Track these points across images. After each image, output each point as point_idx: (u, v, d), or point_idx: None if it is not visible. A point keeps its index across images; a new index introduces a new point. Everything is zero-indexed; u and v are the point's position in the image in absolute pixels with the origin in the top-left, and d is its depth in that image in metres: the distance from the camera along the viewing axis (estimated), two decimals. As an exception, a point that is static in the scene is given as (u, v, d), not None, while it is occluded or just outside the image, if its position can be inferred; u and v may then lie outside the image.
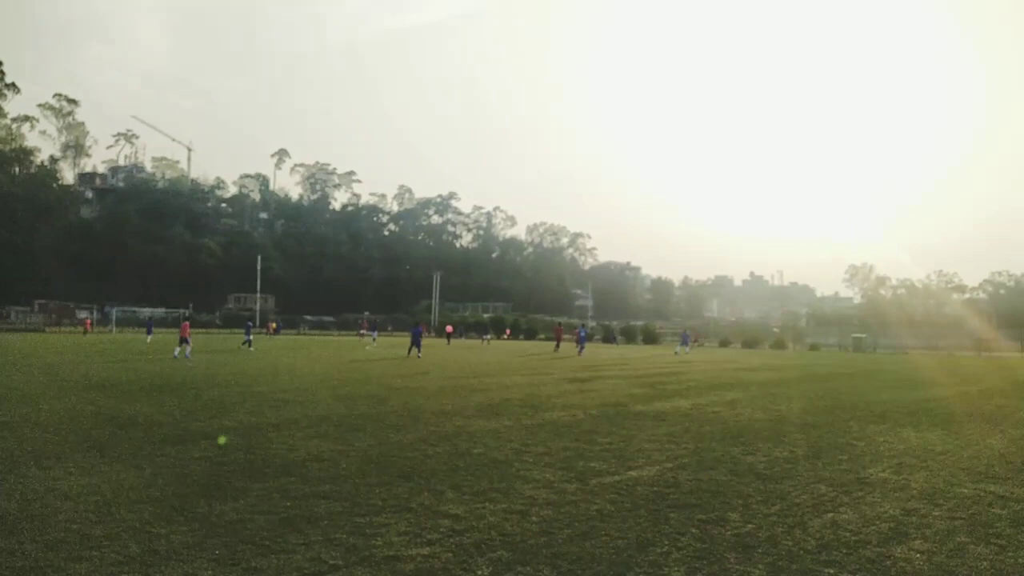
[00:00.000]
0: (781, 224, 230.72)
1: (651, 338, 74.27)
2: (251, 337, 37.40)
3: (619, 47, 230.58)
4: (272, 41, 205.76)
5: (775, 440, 10.07)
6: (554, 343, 47.13)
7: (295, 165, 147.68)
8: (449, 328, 61.68)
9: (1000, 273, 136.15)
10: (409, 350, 32.47)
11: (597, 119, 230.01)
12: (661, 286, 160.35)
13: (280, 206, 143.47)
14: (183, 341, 25.92)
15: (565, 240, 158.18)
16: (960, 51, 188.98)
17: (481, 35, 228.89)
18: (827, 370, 29.53)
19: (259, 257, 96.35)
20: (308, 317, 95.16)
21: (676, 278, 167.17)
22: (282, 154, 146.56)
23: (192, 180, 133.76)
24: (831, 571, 4.73)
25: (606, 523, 5.70)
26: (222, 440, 8.92)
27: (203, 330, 72.46)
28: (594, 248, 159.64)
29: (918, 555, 5.07)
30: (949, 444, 10.04)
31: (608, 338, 75.88)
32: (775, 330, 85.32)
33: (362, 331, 63.87)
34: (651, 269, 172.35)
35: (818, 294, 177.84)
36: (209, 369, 21.42)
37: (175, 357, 25.29)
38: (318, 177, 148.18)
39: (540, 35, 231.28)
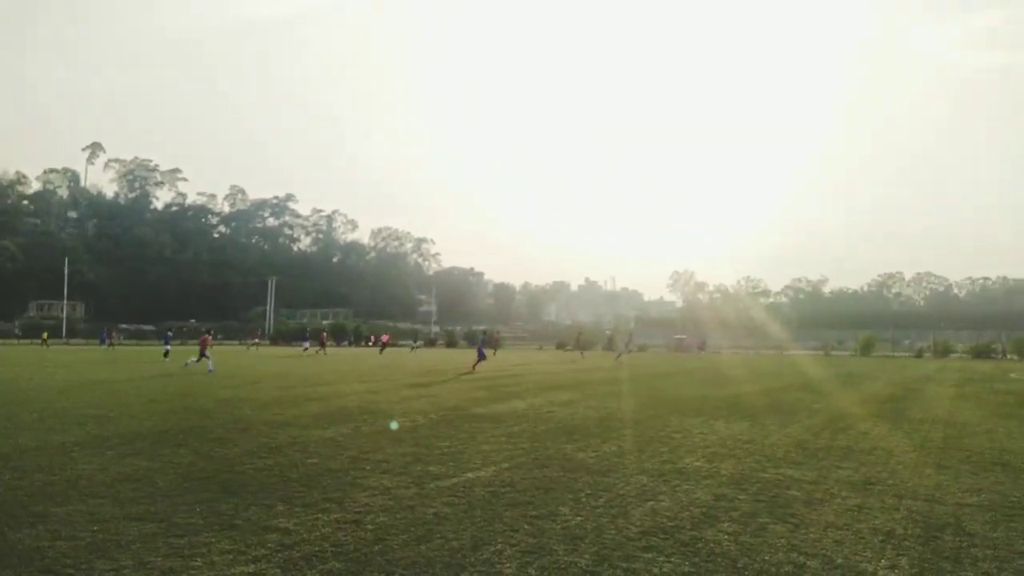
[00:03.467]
0: (613, 233, 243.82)
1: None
2: (169, 347, 35.30)
3: (460, 50, 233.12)
4: (89, 25, 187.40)
5: (604, 436, 10.61)
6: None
7: (110, 160, 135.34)
8: (385, 338, 56.35)
9: (800, 280, 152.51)
10: (476, 363, 28.86)
11: (438, 125, 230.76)
12: (503, 291, 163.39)
13: (93, 204, 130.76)
14: (203, 355, 26.44)
15: (409, 245, 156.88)
16: (773, 87, 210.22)
17: (319, 33, 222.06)
18: (652, 370, 31.52)
19: (66, 260, 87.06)
20: (124, 326, 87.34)
21: (517, 283, 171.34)
22: (95, 148, 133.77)
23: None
24: (650, 555, 5.04)
25: (442, 525, 5.72)
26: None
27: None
28: (438, 254, 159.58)
29: (726, 536, 5.54)
30: (754, 434, 11.06)
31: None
32: (608, 332, 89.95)
33: (254, 340, 59.30)
34: (494, 275, 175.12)
35: (646, 298, 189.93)
36: (4, 384, 19.07)
37: (185, 365, 26.36)
38: (137, 174, 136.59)
39: (380, 35, 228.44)
